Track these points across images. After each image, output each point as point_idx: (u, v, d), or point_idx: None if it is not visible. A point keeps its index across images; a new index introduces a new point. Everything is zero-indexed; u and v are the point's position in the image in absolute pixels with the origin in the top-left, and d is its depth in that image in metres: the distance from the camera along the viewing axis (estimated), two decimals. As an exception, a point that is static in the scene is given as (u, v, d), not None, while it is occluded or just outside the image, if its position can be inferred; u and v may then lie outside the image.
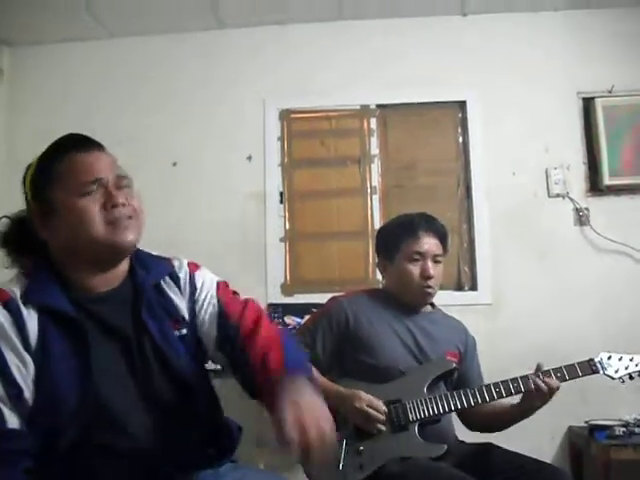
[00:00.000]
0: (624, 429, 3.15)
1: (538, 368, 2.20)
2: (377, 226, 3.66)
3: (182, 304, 1.58)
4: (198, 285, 1.61)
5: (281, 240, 3.75)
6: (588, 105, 3.71)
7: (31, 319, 1.39)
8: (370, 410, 2.10)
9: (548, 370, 2.21)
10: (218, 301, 1.61)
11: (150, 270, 1.57)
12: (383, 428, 2.11)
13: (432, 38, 3.83)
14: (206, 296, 1.61)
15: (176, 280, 1.60)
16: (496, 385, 2.19)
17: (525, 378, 2.19)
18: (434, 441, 2.13)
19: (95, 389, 1.39)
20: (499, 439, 2.29)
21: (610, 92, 3.67)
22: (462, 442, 2.27)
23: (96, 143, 1.53)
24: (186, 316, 1.58)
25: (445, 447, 2.11)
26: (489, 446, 2.20)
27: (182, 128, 3.84)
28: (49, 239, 1.49)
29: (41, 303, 1.41)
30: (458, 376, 2.32)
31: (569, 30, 3.79)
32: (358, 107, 3.84)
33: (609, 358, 2.30)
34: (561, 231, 3.66)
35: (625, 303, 3.50)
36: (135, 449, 1.41)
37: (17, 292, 1.42)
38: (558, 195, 3.67)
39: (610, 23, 3.76)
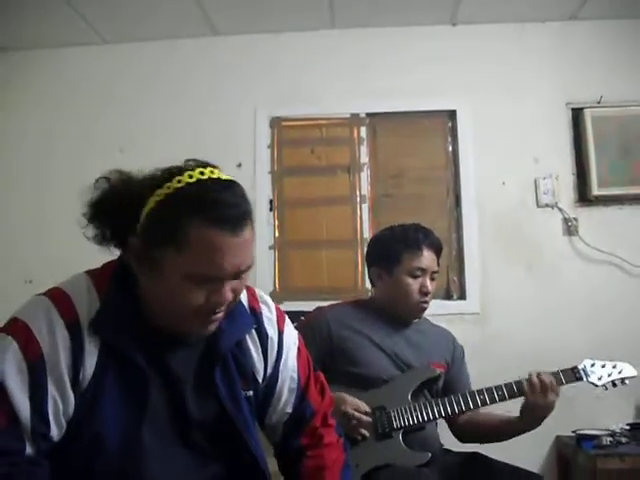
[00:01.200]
0: (611, 439, 3.16)
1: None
2: (366, 235, 3.67)
3: (261, 366, 1.44)
4: (284, 351, 1.48)
5: (270, 248, 3.74)
6: (577, 115, 3.72)
7: (91, 355, 1.25)
8: (355, 413, 2.09)
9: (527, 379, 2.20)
10: (299, 377, 1.50)
11: (235, 323, 1.39)
12: (366, 434, 2.10)
13: (422, 48, 3.84)
14: (289, 367, 1.49)
15: (263, 339, 1.44)
16: (480, 392, 2.20)
17: (512, 384, 2.19)
18: (418, 449, 2.13)
19: (141, 448, 1.28)
20: (486, 448, 2.29)
21: (599, 103, 3.68)
22: (448, 451, 2.27)
23: (244, 222, 1.24)
24: (260, 378, 1.45)
25: (429, 455, 2.11)
26: (475, 455, 2.20)
27: (173, 135, 3.83)
28: (139, 277, 1.30)
29: (109, 341, 1.26)
30: (446, 385, 2.31)
31: (558, 41, 3.81)
32: (348, 115, 3.85)
33: (592, 365, 2.31)
34: (550, 241, 3.67)
35: (613, 313, 3.51)
36: None
37: (85, 315, 1.26)
38: (547, 205, 3.69)
39: (598, 34, 3.79)
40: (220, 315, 1.30)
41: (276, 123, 3.86)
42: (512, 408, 2.30)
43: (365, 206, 3.76)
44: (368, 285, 3.46)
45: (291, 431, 1.50)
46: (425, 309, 2.31)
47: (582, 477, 3.15)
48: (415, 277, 2.26)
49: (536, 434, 3.47)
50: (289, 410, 1.49)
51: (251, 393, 1.42)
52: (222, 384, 1.37)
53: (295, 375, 1.50)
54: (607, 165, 3.63)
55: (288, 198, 3.79)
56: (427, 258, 2.27)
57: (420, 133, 3.81)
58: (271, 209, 3.77)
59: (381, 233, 2.43)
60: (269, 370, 1.46)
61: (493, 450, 2.27)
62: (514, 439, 3.28)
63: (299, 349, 1.53)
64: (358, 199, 3.77)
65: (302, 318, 2.34)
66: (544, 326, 3.51)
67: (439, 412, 2.16)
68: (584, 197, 3.68)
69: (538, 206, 3.70)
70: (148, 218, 1.24)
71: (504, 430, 2.24)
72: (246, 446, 1.39)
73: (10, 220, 3.75)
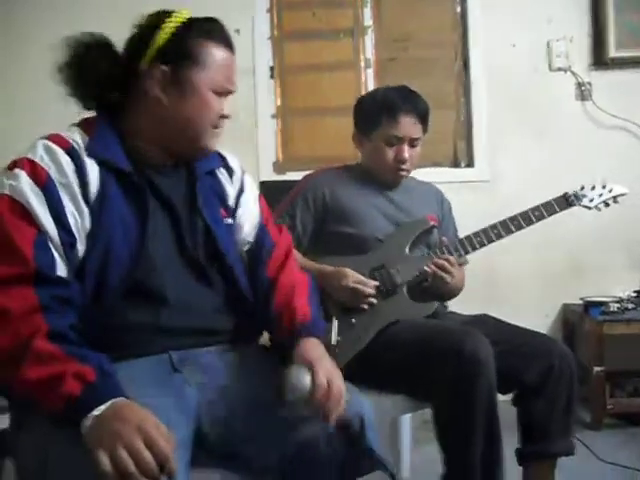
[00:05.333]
0: (618, 305, 3.18)
1: (441, 243, 2.15)
2: (371, 101, 3.53)
3: (232, 194, 1.60)
4: (246, 187, 1.63)
5: (272, 117, 3.64)
6: (595, -30, 3.50)
7: (92, 170, 1.37)
8: (358, 286, 2.04)
9: (520, 213, 2.20)
10: (260, 212, 1.64)
11: (205, 159, 1.56)
12: (374, 301, 2.06)
13: None
14: (250, 201, 1.63)
15: (230, 172, 1.62)
16: (476, 234, 2.16)
17: (506, 221, 2.17)
18: (425, 301, 2.10)
19: (147, 256, 1.39)
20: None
21: (619, -44, 3.46)
22: (454, 313, 2.24)
23: (232, 44, 1.51)
24: (233, 206, 1.60)
25: (436, 304, 2.09)
26: (484, 317, 2.17)
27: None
28: (143, 100, 1.45)
29: (104, 159, 1.39)
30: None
31: None
32: (351, -25, 3.64)
33: (582, 189, 2.29)
34: (562, 106, 3.55)
35: (627, 180, 3.39)
36: (165, 312, 1.41)
37: (80, 142, 1.39)
38: (560, 69, 3.54)
39: None
40: (220, 132, 1.50)
41: (275, -16, 3.66)
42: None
43: (370, 71, 3.64)
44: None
45: (257, 262, 1.59)
46: (403, 176, 2.23)
47: (588, 343, 3.16)
48: (391, 144, 2.17)
49: (543, 302, 3.52)
50: (250, 239, 1.60)
51: (230, 221, 1.57)
52: (204, 205, 1.50)
53: (257, 212, 1.63)
54: (626, 25, 3.45)
55: (289, 64, 3.65)
56: (405, 125, 2.15)
57: (427, -7, 3.62)
58: (272, 76, 3.65)
59: (366, 96, 2.34)
60: (234, 199, 1.60)
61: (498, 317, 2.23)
62: (521, 307, 3.33)
63: (260, 198, 1.67)
64: (362, 64, 3.64)
65: (291, 190, 2.26)
66: (555, 193, 3.41)
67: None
68: (599, 60, 3.52)
69: (550, 70, 3.56)
70: (168, 45, 1.43)
71: None
72: (229, 267, 1.50)
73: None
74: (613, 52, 3.45)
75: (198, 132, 1.46)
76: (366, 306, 2.06)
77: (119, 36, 1.47)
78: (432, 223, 2.21)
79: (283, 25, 3.66)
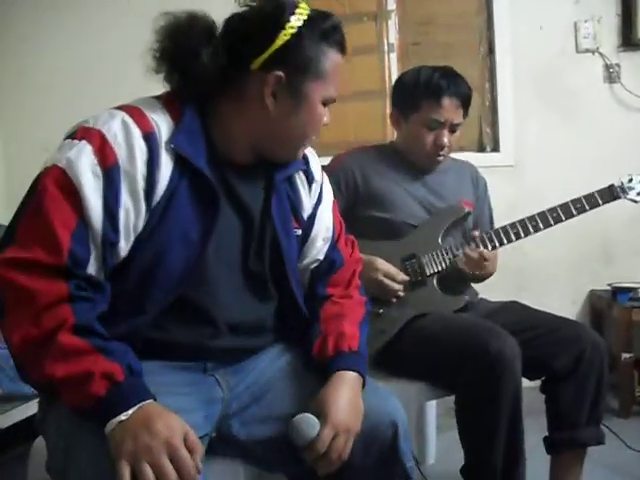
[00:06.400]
0: (647, 291, 3.11)
1: (472, 237, 2.09)
2: (394, 85, 3.49)
3: (307, 204, 1.48)
4: (324, 197, 1.52)
5: (295, 102, 3.59)
6: (624, -51, 3.42)
7: (166, 167, 1.23)
8: (386, 280, 2.01)
9: (560, 205, 2.12)
10: (334, 227, 1.53)
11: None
12: (402, 295, 2.03)
13: None
14: (325, 214, 1.52)
15: (310, 180, 1.48)
16: (513, 226, 2.09)
17: (545, 214, 2.10)
18: (455, 294, 2.06)
19: (204, 262, 1.29)
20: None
21: None
22: (484, 299, 2.20)
23: (346, 50, 1.38)
24: (305, 219, 1.48)
25: (466, 298, 2.05)
26: (514, 304, 2.14)
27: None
28: (254, 104, 1.31)
29: (184, 154, 1.25)
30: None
31: None
32: (374, -42, 3.58)
33: (630, 180, 2.14)
34: (589, 89, 3.47)
35: (654, 163, 3.35)
36: (212, 330, 1.34)
37: (164, 130, 1.25)
38: (587, 50, 3.46)
39: None
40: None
41: (297, -32, 3.61)
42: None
43: (393, 55, 3.58)
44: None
45: (319, 277, 1.51)
46: (440, 161, 2.15)
47: (616, 329, 3.12)
48: (432, 129, 2.10)
49: (570, 288, 3.47)
50: (320, 257, 1.50)
51: (299, 232, 1.46)
52: (277, 217, 1.39)
53: (330, 226, 1.52)
54: (656, 5, 3.36)
55: (312, 49, 3.59)
56: (448, 109, 2.08)
57: (451, -24, 3.56)
58: (294, 61, 3.58)
59: (408, 73, 2.21)
60: (310, 210, 1.49)
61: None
62: (548, 292, 3.28)
63: (334, 206, 1.56)
64: (385, 48, 3.58)
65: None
66: (581, 178, 3.33)
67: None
68: (628, 41, 3.43)
69: (577, 51, 3.48)
70: (288, 48, 1.28)
71: None
72: (289, 282, 1.42)
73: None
74: (643, 33, 3.37)
75: (300, 143, 1.37)
76: (393, 300, 2.03)
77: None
78: (467, 210, 2.15)
79: (306, 9, 3.62)
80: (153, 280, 1.24)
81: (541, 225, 2.10)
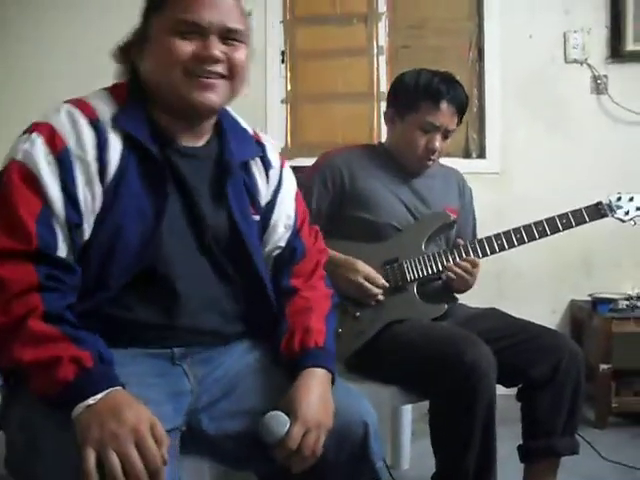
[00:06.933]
0: (627, 302, 3.13)
1: (456, 245, 2.09)
2: (383, 88, 3.51)
3: (264, 191, 1.46)
4: (284, 183, 1.50)
5: (282, 102, 3.60)
6: (614, -40, 3.43)
7: (115, 147, 1.27)
8: (366, 283, 2.00)
9: (547, 219, 2.09)
10: (296, 214, 1.51)
11: (242, 145, 1.43)
12: (381, 298, 2.01)
13: None
14: (286, 200, 1.50)
15: (267, 166, 1.47)
16: (497, 237, 2.08)
17: (531, 226, 2.08)
18: (434, 302, 2.05)
19: (159, 241, 1.29)
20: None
21: (639, -54, 3.39)
22: (463, 305, 2.20)
23: None
24: (263, 204, 1.46)
25: (445, 307, 2.03)
26: (493, 311, 2.13)
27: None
28: (139, 64, 1.34)
29: (131, 134, 1.27)
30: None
31: None
32: (365, -40, 3.58)
33: (618, 199, 2.12)
34: (577, 99, 3.49)
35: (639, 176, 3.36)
36: (176, 310, 1.33)
37: (107, 113, 1.28)
38: (576, 61, 3.47)
39: None
40: (216, 68, 1.29)
41: (288, -32, 3.61)
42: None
43: (382, 58, 3.59)
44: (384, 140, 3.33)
45: (282, 267, 1.49)
46: (429, 166, 2.15)
47: (596, 340, 3.12)
48: (426, 132, 2.09)
49: (550, 298, 3.47)
50: (282, 244, 1.49)
51: (258, 218, 1.44)
52: (234, 201, 1.38)
53: (292, 214, 1.51)
54: (645, 18, 3.38)
55: (301, 49, 3.61)
56: (445, 114, 2.08)
57: (443, -20, 3.56)
58: (283, 61, 3.61)
59: (408, 74, 2.18)
60: (269, 197, 1.48)
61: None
62: (528, 301, 3.28)
63: (297, 195, 1.55)
64: (375, 50, 3.59)
65: (308, 167, 2.20)
66: (567, 188, 3.37)
67: (454, 261, 2.05)
68: (617, 53, 3.45)
69: (566, 62, 3.49)
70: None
71: None
72: (255, 267, 1.40)
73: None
74: (631, 45, 3.38)
75: (168, 82, 1.29)
76: (372, 303, 2.02)
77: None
78: (452, 217, 2.14)
79: (296, 9, 3.61)
80: (113, 256, 1.26)
81: (526, 238, 2.08)
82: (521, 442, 1.98)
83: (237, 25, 1.31)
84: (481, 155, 3.54)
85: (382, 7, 3.59)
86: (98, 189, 1.25)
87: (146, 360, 1.30)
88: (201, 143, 1.39)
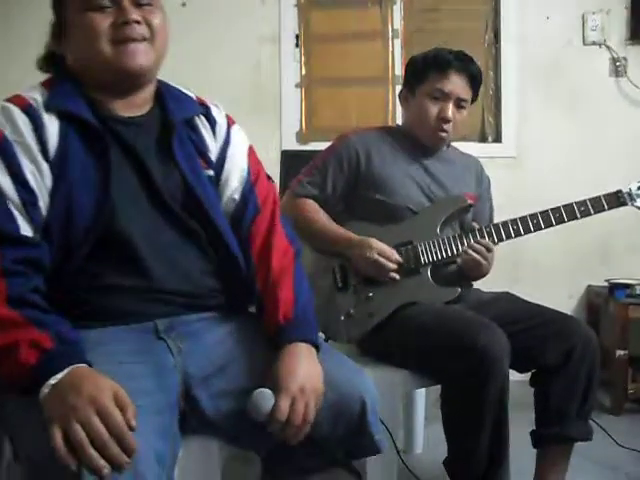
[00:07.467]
0: (644, 288, 3.08)
1: (472, 229, 2.06)
2: (398, 72, 3.49)
3: (213, 146, 1.48)
4: (233, 139, 1.51)
5: (297, 86, 3.59)
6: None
7: (52, 125, 1.31)
8: (381, 259, 1.99)
9: (565, 206, 2.05)
10: (248, 167, 1.52)
11: (183, 104, 1.47)
12: (397, 277, 2.00)
13: None
14: (237, 154, 1.51)
15: (212, 123, 1.49)
16: (513, 222, 2.05)
17: (548, 212, 2.04)
18: (447, 285, 2.03)
19: (112, 205, 1.32)
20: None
21: None
22: (477, 289, 2.18)
23: None
24: (214, 159, 1.48)
25: (459, 290, 2.01)
26: (507, 295, 2.11)
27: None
28: (65, 55, 1.39)
29: (64, 109, 1.32)
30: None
31: None
32: (380, -59, 3.56)
33: (639, 188, 2.06)
34: (595, 82, 3.46)
35: (657, 160, 3.32)
36: (144, 272, 1.34)
37: (39, 98, 1.33)
38: (594, 43, 3.44)
39: None
40: (138, 31, 1.34)
41: (302, -49, 3.59)
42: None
43: (397, 41, 3.57)
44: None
45: (239, 222, 1.49)
46: (442, 138, 2.12)
47: (613, 326, 3.09)
48: (436, 100, 2.07)
49: (567, 283, 3.45)
50: (236, 196, 1.49)
51: (212, 173, 1.46)
52: (181, 158, 1.40)
53: (245, 167, 1.52)
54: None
55: (315, 33, 3.59)
56: (453, 82, 2.06)
57: (459, -38, 3.53)
58: (297, 45, 3.60)
59: (420, 54, 2.19)
60: (218, 151, 1.49)
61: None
62: (544, 287, 3.26)
63: (250, 150, 1.56)
64: (390, 34, 3.56)
65: (324, 149, 2.19)
66: (584, 172, 3.35)
67: (469, 243, 2.03)
68: (636, 35, 3.41)
69: (584, 44, 3.46)
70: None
71: None
72: (212, 222, 1.42)
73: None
74: (651, 26, 3.33)
75: (98, 56, 1.33)
76: (387, 280, 2.01)
77: None
78: (469, 202, 2.12)
79: (309, -8, 3.59)
80: (71, 227, 1.29)
81: (542, 224, 2.05)
82: (534, 428, 1.97)
83: None
84: (497, 139, 3.52)
85: (397, -10, 3.56)
86: (44, 166, 1.29)
87: (128, 336, 1.31)
88: (141, 112, 1.42)
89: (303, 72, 3.59)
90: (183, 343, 1.35)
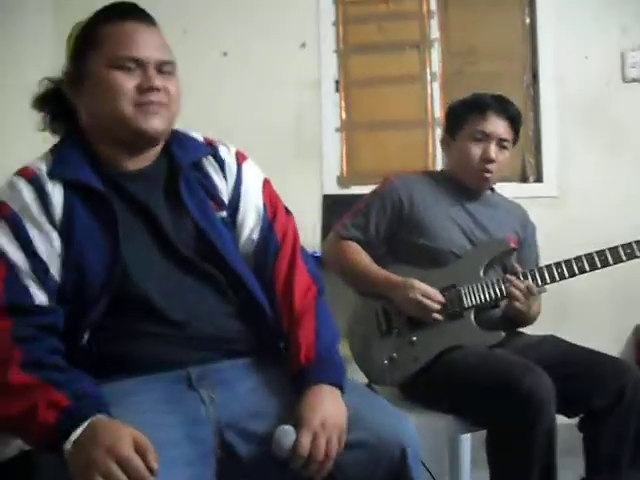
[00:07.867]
0: (696, 327, 3.02)
1: (515, 272, 2.05)
2: (437, 115, 3.51)
3: (223, 187, 1.50)
4: (244, 177, 1.52)
5: (337, 130, 3.62)
6: (672, -22, 3.38)
7: (56, 193, 1.36)
8: (425, 300, 1.99)
9: (610, 249, 2.04)
10: (265, 209, 1.53)
11: (188, 148, 1.49)
12: (440, 318, 2.00)
13: None
14: (250, 192, 1.52)
15: (220, 163, 1.51)
16: (558, 265, 2.05)
17: (593, 255, 2.03)
18: (491, 329, 2.02)
19: (124, 264, 1.35)
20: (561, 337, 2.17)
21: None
22: (522, 333, 2.16)
23: (148, 18, 1.43)
24: (226, 200, 1.49)
25: (503, 334, 2.00)
26: (552, 338, 2.09)
27: (231, 16, 3.64)
28: (79, 105, 1.43)
29: (67, 177, 1.37)
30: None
31: None
32: (416, -13, 3.60)
33: None
34: (636, 120, 3.42)
35: None
36: (164, 322, 1.36)
37: (43, 168, 1.38)
38: (634, 80, 3.42)
39: None
40: (159, 97, 1.38)
41: (340, -1, 3.65)
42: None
43: (436, 84, 3.59)
44: (439, 167, 3.32)
45: (262, 265, 1.49)
46: (487, 179, 2.14)
47: (663, 366, 3.01)
48: (478, 141, 2.09)
49: (614, 323, 3.38)
50: (255, 237, 1.50)
51: (224, 214, 1.47)
52: (191, 203, 1.42)
53: (261, 204, 1.52)
54: None
55: (355, 78, 3.63)
56: (493, 123, 2.09)
57: (495, 3, 3.56)
58: (337, 90, 3.63)
59: (457, 100, 2.25)
60: (231, 192, 1.50)
61: (567, 338, 2.13)
62: (592, 326, 3.20)
63: (266, 185, 1.56)
64: (428, 77, 3.59)
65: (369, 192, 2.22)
66: (627, 213, 3.30)
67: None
68: (677, 71, 3.38)
69: (624, 81, 3.44)
70: (73, 40, 1.43)
71: None
72: (229, 265, 1.42)
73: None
74: (692, 62, 3.32)
75: (117, 114, 1.37)
76: (431, 321, 2.00)
77: None
78: (512, 245, 2.12)
79: (349, 38, 3.64)
80: (85, 292, 1.32)
81: (587, 267, 2.05)
82: (583, 475, 1.92)
83: (170, 58, 1.43)
84: (538, 179, 3.50)
85: (435, 33, 3.59)
86: (52, 233, 1.33)
87: (157, 386, 1.33)
88: (148, 163, 1.45)
89: (343, 117, 3.62)
90: (215, 392, 1.36)
